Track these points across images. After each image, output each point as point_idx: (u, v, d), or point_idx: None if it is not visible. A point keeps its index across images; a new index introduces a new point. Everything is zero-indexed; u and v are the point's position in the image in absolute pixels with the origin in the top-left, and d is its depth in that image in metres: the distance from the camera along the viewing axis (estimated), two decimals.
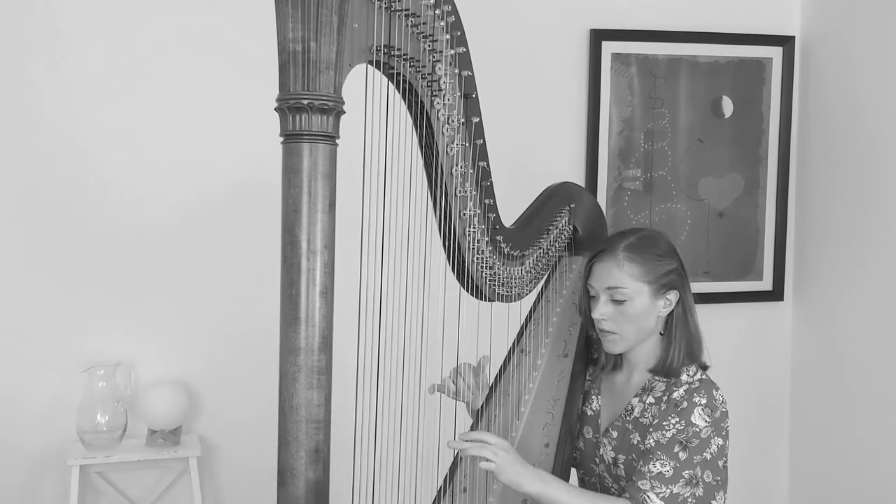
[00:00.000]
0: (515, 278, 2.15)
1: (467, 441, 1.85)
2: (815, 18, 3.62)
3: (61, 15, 3.10)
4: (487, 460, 1.81)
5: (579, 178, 3.54)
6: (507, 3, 3.43)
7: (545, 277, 2.39)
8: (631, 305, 2.00)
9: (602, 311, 2.02)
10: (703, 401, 1.95)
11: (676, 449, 1.90)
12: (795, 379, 3.77)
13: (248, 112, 3.17)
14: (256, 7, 3.15)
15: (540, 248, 2.23)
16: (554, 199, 2.28)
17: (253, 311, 3.26)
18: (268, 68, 3.07)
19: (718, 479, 1.92)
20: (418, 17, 1.63)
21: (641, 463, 1.93)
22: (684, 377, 2.02)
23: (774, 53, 3.65)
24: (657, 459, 1.90)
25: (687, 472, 1.88)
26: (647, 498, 1.86)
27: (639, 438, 2.00)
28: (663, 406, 1.99)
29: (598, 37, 3.51)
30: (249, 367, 3.28)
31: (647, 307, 2.01)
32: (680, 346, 2.04)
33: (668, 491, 1.86)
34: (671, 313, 2.05)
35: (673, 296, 2.03)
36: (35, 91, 3.09)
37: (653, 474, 1.88)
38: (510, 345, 2.34)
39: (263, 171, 3.16)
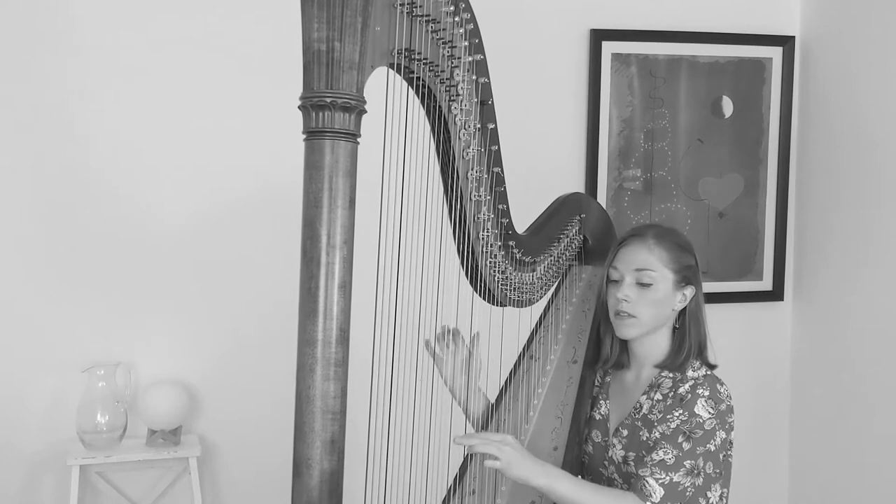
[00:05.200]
0: (527, 284, 2.17)
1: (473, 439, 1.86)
2: (815, 18, 3.63)
3: (64, 14, 3.09)
4: (494, 458, 1.81)
5: (579, 178, 3.54)
6: (508, 4, 3.43)
7: (555, 285, 2.42)
8: (655, 290, 2.04)
9: (626, 293, 2.05)
10: (707, 393, 1.98)
11: (680, 439, 1.92)
12: (795, 379, 3.78)
13: (249, 112, 3.19)
14: (258, 9, 3.18)
15: (551, 256, 2.26)
16: (564, 208, 2.31)
17: (253, 311, 3.27)
18: (267, 69, 3.13)
19: (718, 471, 1.94)
20: (438, 22, 1.64)
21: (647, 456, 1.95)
22: (690, 373, 2.06)
23: (774, 53, 3.66)
24: (660, 448, 1.92)
25: (689, 461, 1.89)
26: (646, 483, 1.88)
27: (647, 435, 2.02)
28: (669, 401, 2.02)
29: (598, 37, 3.51)
30: (250, 366, 3.28)
31: (668, 295, 2.05)
32: (692, 342, 2.08)
33: (668, 478, 1.87)
34: (684, 310, 2.10)
35: (689, 291, 2.08)
36: (35, 91, 3.08)
37: (654, 462, 1.90)
38: (520, 350, 2.36)
39: (264, 172, 3.21)
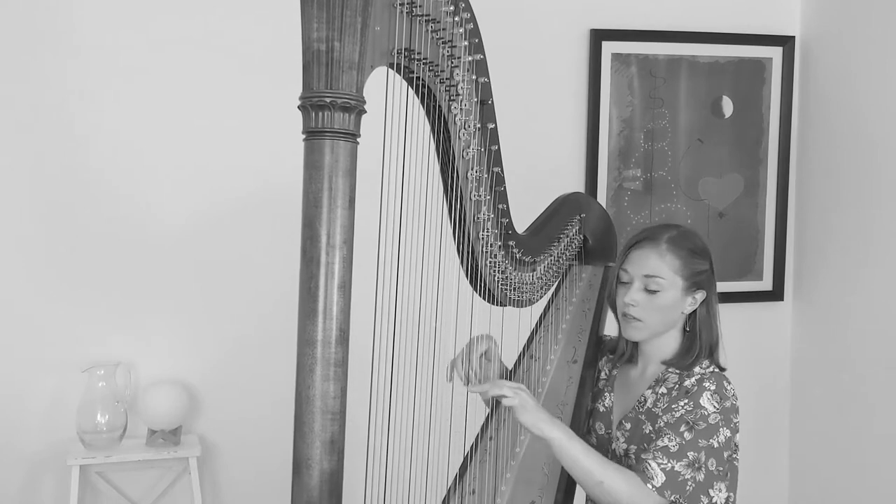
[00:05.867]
0: (527, 284, 2.17)
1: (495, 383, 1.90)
2: (815, 18, 3.63)
3: (64, 14, 3.09)
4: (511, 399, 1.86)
5: (579, 178, 3.55)
6: (508, 4, 3.43)
7: (555, 285, 2.41)
8: (663, 296, 2.02)
9: (634, 297, 2.04)
10: (713, 387, 1.97)
11: (683, 428, 1.92)
12: (795, 379, 3.78)
13: (249, 112, 3.20)
14: (258, 9, 3.18)
15: (551, 256, 2.26)
16: (564, 208, 2.31)
17: (253, 311, 3.27)
18: (267, 69, 3.13)
19: (721, 469, 1.93)
20: (438, 22, 1.64)
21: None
22: (697, 369, 2.05)
23: (774, 53, 3.66)
24: (664, 435, 1.92)
25: (691, 453, 1.89)
26: (648, 466, 1.87)
27: (650, 428, 2.02)
28: (674, 393, 2.02)
29: (598, 37, 3.51)
30: (250, 366, 3.29)
31: (676, 301, 2.04)
32: (703, 344, 2.06)
33: (670, 465, 1.87)
34: (694, 312, 2.08)
35: (700, 295, 2.06)
36: (35, 91, 3.09)
37: (658, 447, 1.90)
38: (520, 350, 2.36)
39: (264, 172, 3.21)
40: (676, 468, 1.87)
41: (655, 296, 2.03)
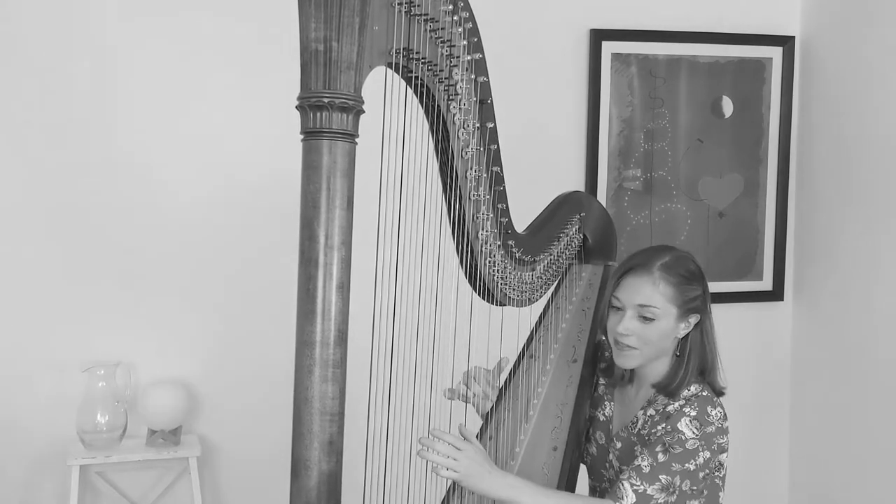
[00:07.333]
0: (526, 283, 2.16)
1: (433, 445, 1.79)
2: (815, 18, 3.62)
3: (66, 13, 3.09)
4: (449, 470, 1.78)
5: (579, 178, 3.54)
6: (507, 4, 3.42)
7: (555, 284, 2.40)
8: (657, 325, 1.99)
9: (628, 326, 2.00)
10: (693, 413, 1.95)
11: (658, 449, 1.91)
12: (795, 379, 3.78)
13: (248, 113, 3.20)
14: (257, 9, 3.18)
15: (551, 255, 2.25)
16: (564, 206, 2.29)
17: (254, 311, 3.26)
18: (266, 69, 3.12)
19: (696, 488, 1.92)
20: (437, 21, 1.64)
21: None
22: (684, 392, 2.02)
23: (774, 53, 3.66)
24: (640, 455, 1.91)
25: (664, 476, 1.87)
26: (621, 485, 1.86)
27: (640, 449, 2.00)
28: (657, 418, 2.01)
29: (598, 37, 3.51)
30: (250, 366, 3.29)
31: (670, 329, 2.01)
32: (690, 369, 2.03)
33: (643, 488, 1.85)
34: (687, 335, 2.05)
35: (694, 319, 2.03)
36: (36, 89, 3.09)
37: (633, 467, 1.89)
38: (520, 349, 2.35)
39: (264, 173, 3.19)
40: (649, 492, 1.85)
41: (650, 324, 1.99)
